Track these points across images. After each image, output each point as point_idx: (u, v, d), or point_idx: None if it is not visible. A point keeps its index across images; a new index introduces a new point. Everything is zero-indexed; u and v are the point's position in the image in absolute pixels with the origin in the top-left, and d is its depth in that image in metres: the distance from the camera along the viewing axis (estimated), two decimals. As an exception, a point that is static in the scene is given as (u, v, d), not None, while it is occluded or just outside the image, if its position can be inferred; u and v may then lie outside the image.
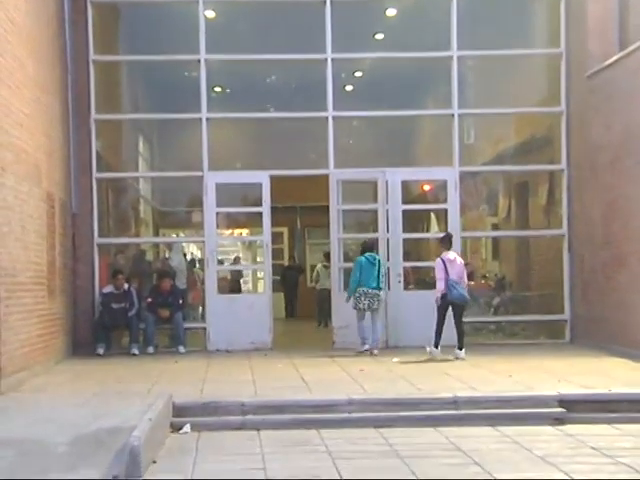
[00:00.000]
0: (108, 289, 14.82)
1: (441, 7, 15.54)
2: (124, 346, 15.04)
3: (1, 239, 10.30)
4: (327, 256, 17.33)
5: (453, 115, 15.56)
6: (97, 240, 15.21)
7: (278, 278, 21.85)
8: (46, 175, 12.86)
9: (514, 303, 17.38)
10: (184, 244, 21.17)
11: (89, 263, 15.07)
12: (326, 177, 15.29)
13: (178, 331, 15.00)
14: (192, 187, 16.59)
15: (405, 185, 15.82)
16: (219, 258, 16.93)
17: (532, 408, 9.24)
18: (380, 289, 14.00)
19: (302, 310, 22.49)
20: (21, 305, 11.18)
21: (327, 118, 15.43)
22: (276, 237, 20.37)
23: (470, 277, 17.88)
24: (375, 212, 15.37)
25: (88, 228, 15.08)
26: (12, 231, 10.82)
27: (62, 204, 13.97)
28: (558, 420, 9.00)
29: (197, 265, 18.05)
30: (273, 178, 15.35)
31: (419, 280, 17.57)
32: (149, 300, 15.07)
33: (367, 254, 14.10)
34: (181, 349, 14.78)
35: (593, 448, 7.84)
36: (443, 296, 13.01)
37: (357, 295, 13.88)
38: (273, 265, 16.44)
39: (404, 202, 15.51)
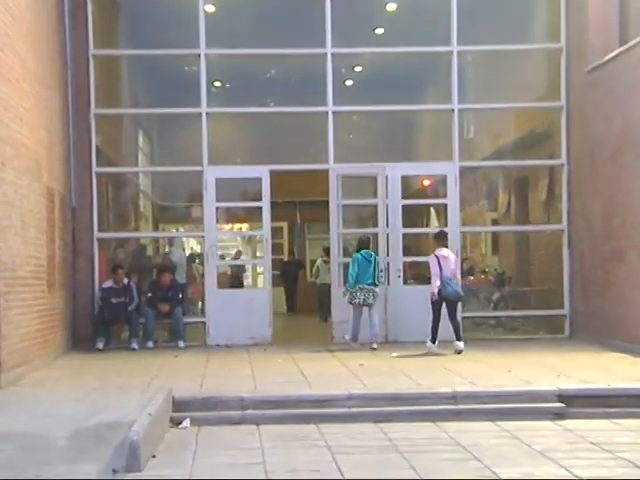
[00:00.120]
0: (108, 284, 14.83)
1: (441, 2, 15.52)
2: (124, 341, 15.05)
3: (1, 233, 10.30)
4: (327, 251, 17.34)
5: (453, 110, 15.55)
6: (97, 235, 15.20)
7: (278, 273, 21.85)
8: (46, 170, 12.85)
9: (514, 298, 17.38)
10: (184, 239, 21.17)
11: (89, 258, 15.07)
12: (326, 172, 15.29)
13: (178, 326, 15.01)
14: (192, 182, 16.58)
15: (405, 180, 15.82)
16: (221, 253, 16.92)
17: (531, 403, 9.25)
18: (376, 285, 14.04)
19: (302, 305, 22.50)
20: (21, 299, 11.19)
21: (327, 113, 15.42)
22: (276, 232, 20.35)
23: (470, 272, 18.00)
24: (375, 207, 15.38)
25: (88, 223, 15.07)
26: (12, 225, 10.82)
27: (62, 198, 13.97)
28: (557, 415, 9.02)
29: (196, 260, 18.03)
30: (273, 173, 15.35)
31: (418, 275, 17.56)
32: (149, 295, 15.08)
33: (363, 251, 14.16)
34: (181, 344, 14.78)
35: (592, 443, 7.86)
36: (438, 292, 13.06)
37: (352, 290, 13.95)
38: (273, 260, 16.44)
39: (404, 197, 15.50)
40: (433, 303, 13.17)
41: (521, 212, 17.97)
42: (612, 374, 10.53)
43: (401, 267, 15.30)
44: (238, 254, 22.94)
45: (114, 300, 14.68)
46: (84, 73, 15.02)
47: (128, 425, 7.26)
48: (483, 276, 18.38)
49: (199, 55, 15.31)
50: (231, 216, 21.06)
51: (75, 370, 12.19)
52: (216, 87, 17.85)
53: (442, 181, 16.08)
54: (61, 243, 13.71)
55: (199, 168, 15.33)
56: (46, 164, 12.88)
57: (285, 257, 24.42)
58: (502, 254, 19.30)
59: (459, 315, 14.52)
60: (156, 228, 21.55)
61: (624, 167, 13.32)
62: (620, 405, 9.16)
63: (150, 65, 17.43)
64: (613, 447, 7.62)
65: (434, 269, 13.17)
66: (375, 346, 13.74)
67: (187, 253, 19.84)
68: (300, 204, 24.06)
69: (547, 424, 8.77)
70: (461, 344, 13.08)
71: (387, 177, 15.16)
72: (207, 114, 15.39)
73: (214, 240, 15.57)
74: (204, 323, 15.29)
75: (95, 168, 15.20)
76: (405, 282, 15.49)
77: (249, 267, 23.92)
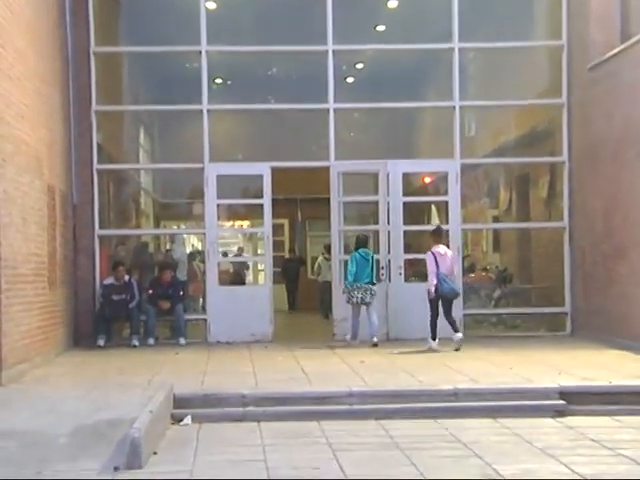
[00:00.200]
0: (109, 281, 14.83)
1: (442, -1, 15.53)
2: (125, 338, 15.05)
3: (2, 230, 10.30)
4: (328, 248, 17.34)
5: (454, 107, 15.53)
6: (98, 232, 15.20)
7: (279, 270, 21.85)
8: (47, 167, 12.85)
9: (515, 296, 17.38)
10: (185, 236, 21.16)
11: (90, 255, 15.07)
12: (327, 169, 15.28)
13: (179, 323, 15.02)
14: (193, 179, 16.58)
15: (406, 177, 15.82)
16: (224, 250, 16.91)
17: (532, 400, 9.24)
18: (374, 284, 14.08)
19: (303, 302, 22.50)
20: (22, 297, 11.19)
21: (328, 110, 15.41)
22: (277, 229, 20.36)
23: (471, 270, 18.00)
24: (376, 204, 15.36)
25: (89, 220, 15.06)
26: (13, 223, 10.82)
27: (63, 196, 13.97)
28: (558, 412, 9.01)
29: (197, 257, 18.04)
30: (274, 170, 15.34)
31: (419, 272, 17.55)
32: (150, 292, 15.09)
33: (361, 250, 14.20)
34: (182, 341, 14.79)
35: (593, 440, 7.85)
36: (435, 290, 13.08)
37: (350, 289, 13.99)
38: (274, 257, 16.44)
39: (405, 194, 15.50)
40: (430, 300, 13.20)
41: (522, 209, 17.97)
42: (613, 371, 10.52)
43: (402, 264, 15.30)
44: (240, 251, 22.94)
45: (115, 297, 14.68)
46: (85, 70, 15.02)
47: (129, 422, 7.26)
48: (484, 273, 18.37)
49: (200, 52, 15.30)
50: (232, 213, 21.07)
51: (76, 367, 12.20)
52: (217, 84, 17.86)
53: (443, 178, 16.08)
54: (62, 240, 13.71)
55: (200, 165, 15.33)
56: (47, 161, 12.87)
57: (286, 254, 24.42)
58: (503, 251, 19.30)
59: (460, 312, 14.57)
60: (157, 225, 21.57)
61: (625, 164, 13.31)
62: (621, 402, 9.14)
63: (151, 62, 17.41)
64: (614, 444, 7.61)
65: (430, 266, 13.20)
66: (375, 340, 13.75)
67: (188, 250, 19.84)
68: (301, 201, 24.05)
69: (548, 421, 8.77)
70: (459, 334, 13.13)
71: (388, 174, 15.14)
72: (208, 111, 15.39)
73: (215, 237, 15.57)
74: (205, 320, 15.29)
75: (96, 165, 15.20)
76: (406, 279, 15.48)
77: (250, 264, 23.92)
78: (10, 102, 10.86)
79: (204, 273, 15.93)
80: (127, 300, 14.72)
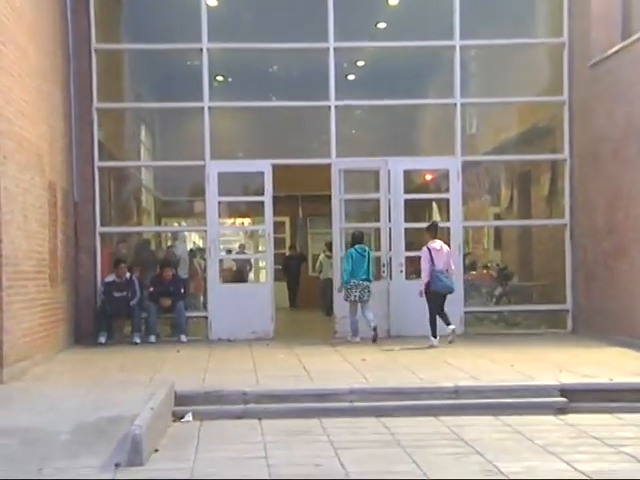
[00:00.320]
0: (110, 278, 14.83)
1: (443, -4, 15.51)
2: (126, 335, 15.05)
3: (3, 228, 10.29)
4: (329, 246, 17.34)
5: (455, 104, 15.51)
6: (99, 229, 15.20)
7: (280, 267, 21.85)
8: (48, 164, 12.84)
9: (516, 293, 17.38)
10: (186, 233, 21.15)
11: (91, 252, 15.06)
12: (328, 166, 15.27)
13: (180, 320, 15.03)
14: (194, 176, 16.57)
15: (407, 174, 15.82)
16: (227, 247, 16.89)
17: (534, 398, 9.24)
18: (370, 281, 14.11)
19: (304, 299, 22.50)
20: (23, 294, 11.19)
21: (329, 107, 15.41)
22: (278, 226, 20.35)
23: (472, 267, 17.99)
24: (377, 202, 15.36)
25: (90, 217, 15.06)
26: (14, 220, 10.82)
27: (64, 193, 13.96)
28: (560, 410, 9.01)
29: (198, 255, 18.03)
30: (275, 167, 15.33)
31: (419, 269, 17.52)
32: (151, 289, 15.10)
33: (357, 246, 14.23)
34: (183, 338, 14.79)
35: (595, 438, 7.85)
36: (428, 286, 13.08)
37: (348, 287, 14.00)
38: (275, 254, 16.43)
39: (406, 191, 15.50)
40: (427, 298, 13.22)
41: (523, 207, 17.96)
42: (615, 369, 10.52)
43: (403, 262, 15.29)
44: (241, 248, 22.94)
45: (116, 294, 14.68)
46: (86, 67, 15.00)
47: (130, 419, 7.26)
48: (485, 271, 18.38)
49: (201, 49, 15.29)
50: (233, 210, 21.04)
51: (77, 364, 12.21)
52: (218, 81, 17.86)
53: (444, 176, 16.08)
54: (63, 237, 13.71)
55: (201, 162, 15.32)
56: (48, 158, 12.87)
57: (287, 252, 24.40)
58: (504, 249, 19.29)
59: (461, 309, 14.59)
60: (158, 222, 21.57)
61: (627, 161, 13.30)
62: (623, 400, 9.15)
63: (152, 59, 17.41)
64: (616, 442, 7.62)
65: (424, 263, 13.21)
66: (373, 325, 13.76)
67: (189, 248, 19.83)
68: (302, 198, 24.04)
69: (549, 419, 8.77)
70: (452, 326, 13.20)
71: (389, 171, 15.14)
72: (209, 108, 15.38)
73: (216, 234, 15.57)
74: (206, 318, 15.29)
75: (97, 162, 15.19)
76: (407, 277, 15.48)
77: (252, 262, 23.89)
78: (11, 99, 10.86)
79: (205, 270, 15.93)
80: (128, 297, 14.72)
